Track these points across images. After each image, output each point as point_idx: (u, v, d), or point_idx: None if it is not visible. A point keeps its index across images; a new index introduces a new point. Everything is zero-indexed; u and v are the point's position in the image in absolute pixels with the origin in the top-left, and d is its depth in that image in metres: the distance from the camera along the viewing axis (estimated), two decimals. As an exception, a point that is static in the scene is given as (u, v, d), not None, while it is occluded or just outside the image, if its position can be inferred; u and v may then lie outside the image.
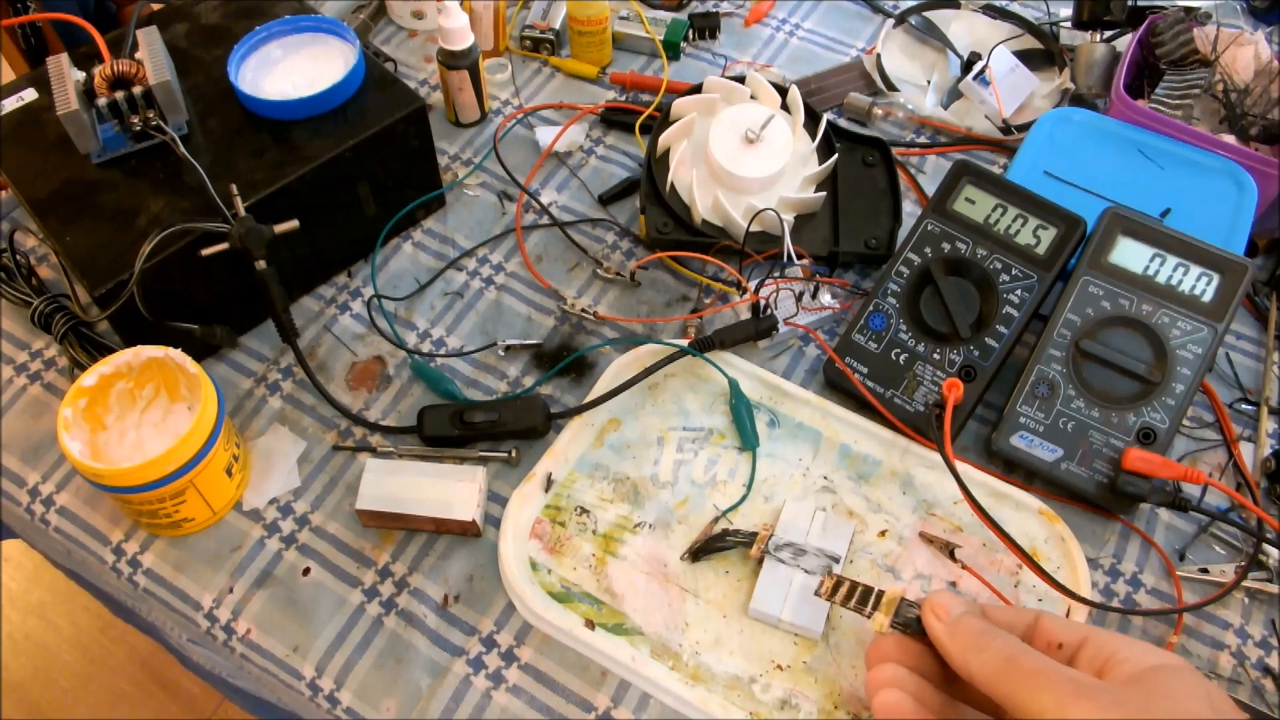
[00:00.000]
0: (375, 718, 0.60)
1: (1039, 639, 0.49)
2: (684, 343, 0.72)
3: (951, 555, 0.64)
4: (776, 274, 0.75)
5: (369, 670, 0.62)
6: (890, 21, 0.98)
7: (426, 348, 0.76)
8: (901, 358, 0.70)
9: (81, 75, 0.70)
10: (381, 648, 0.62)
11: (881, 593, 0.54)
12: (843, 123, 0.90)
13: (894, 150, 0.86)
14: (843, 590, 0.55)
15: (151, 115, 0.70)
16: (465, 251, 0.81)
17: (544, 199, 0.85)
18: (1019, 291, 0.70)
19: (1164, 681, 0.43)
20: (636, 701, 0.60)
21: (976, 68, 0.90)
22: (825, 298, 0.76)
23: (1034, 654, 0.46)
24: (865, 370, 0.71)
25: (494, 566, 0.65)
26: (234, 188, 0.67)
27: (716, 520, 0.66)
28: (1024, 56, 0.93)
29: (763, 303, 0.73)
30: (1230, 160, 0.77)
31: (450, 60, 0.84)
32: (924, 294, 0.71)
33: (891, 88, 0.92)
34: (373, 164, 0.75)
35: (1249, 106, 0.80)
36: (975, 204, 0.73)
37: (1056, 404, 0.67)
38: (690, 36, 0.96)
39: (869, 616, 0.54)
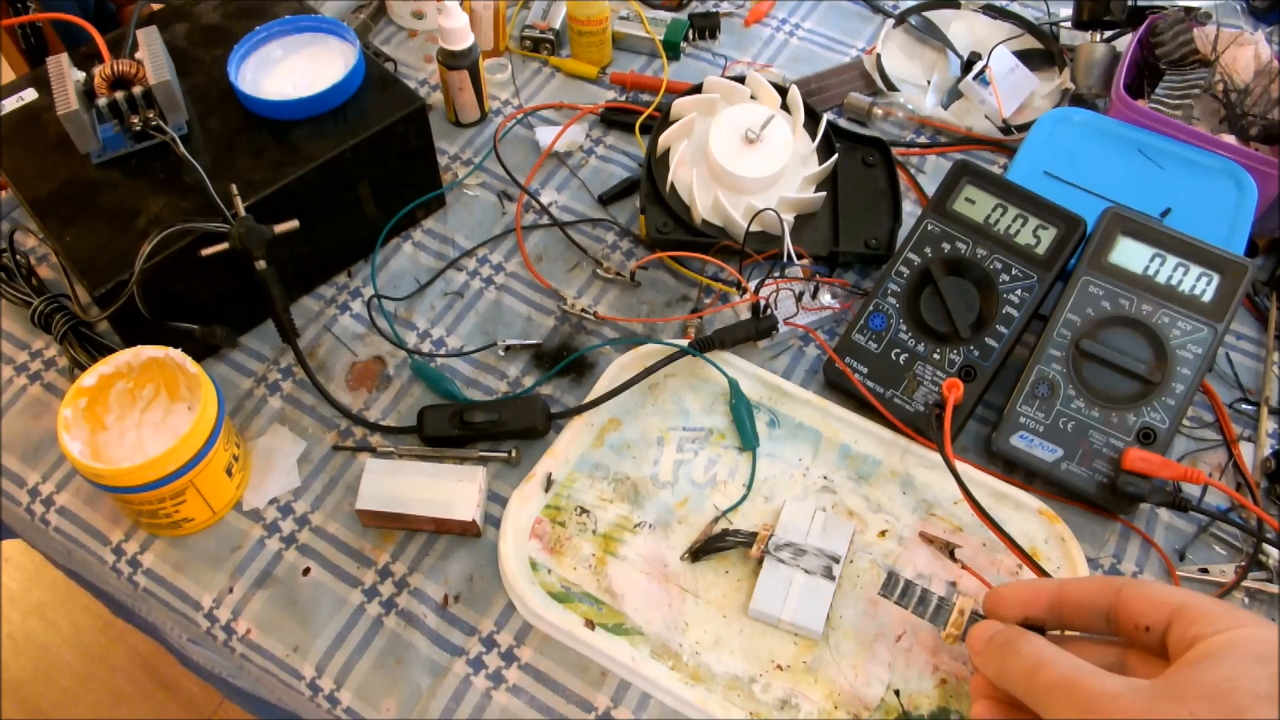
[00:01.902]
0: (375, 718, 0.60)
1: (1124, 621, 0.46)
2: (684, 343, 0.72)
3: (951, 555, 0.64)
4: (776, 274, 0.75)
5: (369, 670, 0.62)
6: (890, 21, 0.98)
7: (426, 348, 0.76)
8: (901, 358, 0.70)
9: (81, 75, 0.70)
10: (381, 648, 0.62)
11: (946, 605, 0.53)
12: (843, 123, 0.90)
13: (894, 150, 0.86)
14: (913, 599, 0.54)
15: (151, 115, 0.70)
16: (465, 251, 0.81)
17: (544, 199, 0.85)
18: (1019, 291, 0.70)
19: (1212, 671, 0.39)
20: (636, 701, 0.60)
21: (976, 68, 0.90)
22: (825, 298, 0.76)
23: (1056, 663, 0.43)
24: (865, 370, 0.71)
25: (494, 566, 0.65)
26: (234, 188, 0.67)
27: (716, 520, 0.66)
28: (1024, 56, 0.93)
29: (763, 303, 0.73)
30: (1230, 160, 0.77)
31: (450, 60, 0.84)
32: (924, 294, 0.71)
33: (891, 88, 0.92)
34: (373, 164, 0.75)
35: (1249, 106, 0.80)
36: (975, 204, 0.73)
37: (1056, 404, 0.67)
38: (690, 36, 0.96)
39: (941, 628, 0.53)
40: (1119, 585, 0.46)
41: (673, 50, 0.95)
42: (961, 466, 0.64)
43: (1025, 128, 0.86)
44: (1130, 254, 0.70)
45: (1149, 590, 0.45)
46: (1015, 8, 0.98)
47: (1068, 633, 0.51)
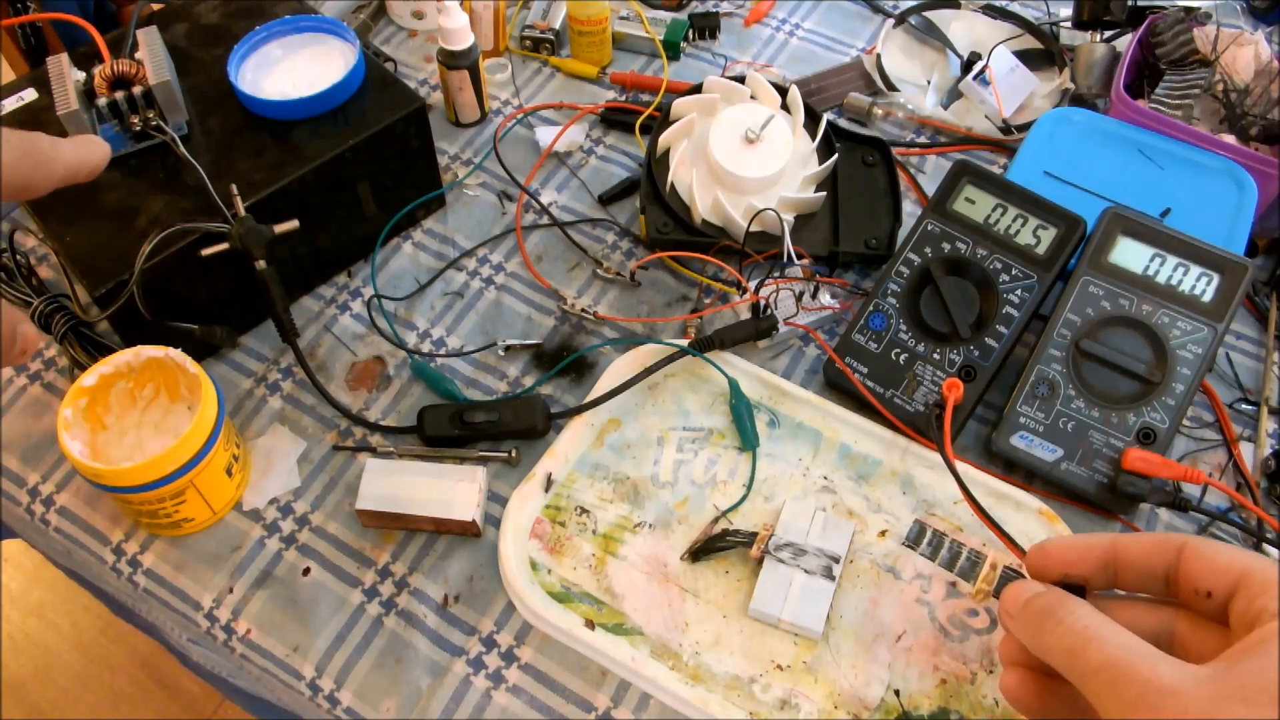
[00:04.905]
0: (375, 718, 0.60)
1: (1184, 585, 0.41)
2: (684, 343, 0.72)
3: (951, 555, 0.64)
4: (776, 274, 0.75)
5: (369, 670, 0.62)
6: (890, 21, 0.98)
7: (426, 348, 0.76)
8: (901, 358, 0.70)
9: (81, 75, 0.70)
10: (381, 648, 0.62)
11: (976, 559, 0.49)
12: (843, 123, 0.90)
13: (894, 150, 0.86)
14: (940, 549, 0.51)
15: (151, 115, 0.70)
16: (465, 251, 0.81)
17: (544, 199, 0.85)
18: (1019, 291, 0.70)
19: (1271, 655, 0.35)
20: (636, 701, 0.60)
21: (976, 68, 0.90)
22: (825, 298, 0.76)
23: (1105, 641, 0.38)
24: (865, 370, 0.71)
25: (494, 566, 0.65)
26: (234, 188, 0.67)
27: (716, 520, 0.66)
28: (1024, 56, 0.93)
29: (763, 303, 0.73)
30: (1230, 160, 0.77)
31: (450, 60, 0.84)
32: (924, 294, 0.71)
33: (891, 88, 0.92)
34: (373, 164, 0.75)
35: (1249, 106, 0.80)
36: (975, 204, 0.73)
37: (1056, 404, 0.67)
38: (690, 36, 0.96)
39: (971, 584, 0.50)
40: (1180, 544, 0.41)
41: (673, 50, 0.95)
42: (961, 466, 0.64)
43: (1025, 128, 0.86)
44: (1130, 254, 0.70)
45: (1212, 553, 0.40)
46: (1015, 8, 0.98)
47: (1117, 591, 0.46)
